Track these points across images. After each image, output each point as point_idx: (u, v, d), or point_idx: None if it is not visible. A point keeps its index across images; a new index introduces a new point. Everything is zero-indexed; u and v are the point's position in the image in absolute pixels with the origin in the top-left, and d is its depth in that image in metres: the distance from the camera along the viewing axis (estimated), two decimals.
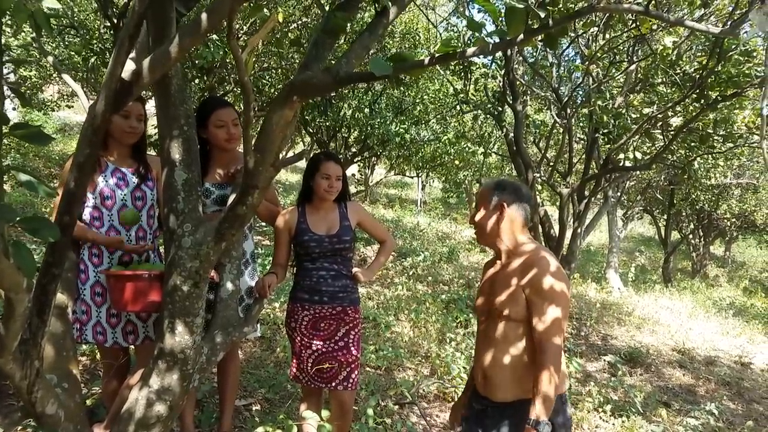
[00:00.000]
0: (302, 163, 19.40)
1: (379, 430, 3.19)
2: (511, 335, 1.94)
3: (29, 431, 2.48)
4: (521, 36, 1.45)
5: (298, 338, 2.56)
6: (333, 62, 1.81)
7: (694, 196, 13.22)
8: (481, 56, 1.65)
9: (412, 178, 18.80)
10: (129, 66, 1.50)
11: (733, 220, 14.96)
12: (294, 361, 2.60)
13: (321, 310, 2.54)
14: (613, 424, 4.07)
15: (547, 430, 1.77)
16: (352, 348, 2.56)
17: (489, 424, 2.03)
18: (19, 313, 1.28)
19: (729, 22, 4.33)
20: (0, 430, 2.45)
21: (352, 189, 13.41)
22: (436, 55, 1.51)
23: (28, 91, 10.53)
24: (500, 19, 1.64)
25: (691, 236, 15.51)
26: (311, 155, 2.70)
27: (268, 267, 2.87)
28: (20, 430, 2.54)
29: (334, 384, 2.54)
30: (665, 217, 14.50)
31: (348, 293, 2.59)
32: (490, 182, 2.09)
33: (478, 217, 2.05)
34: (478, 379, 2.07)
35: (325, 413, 2.52)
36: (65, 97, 12.85)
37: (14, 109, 10.63)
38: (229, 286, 2.16)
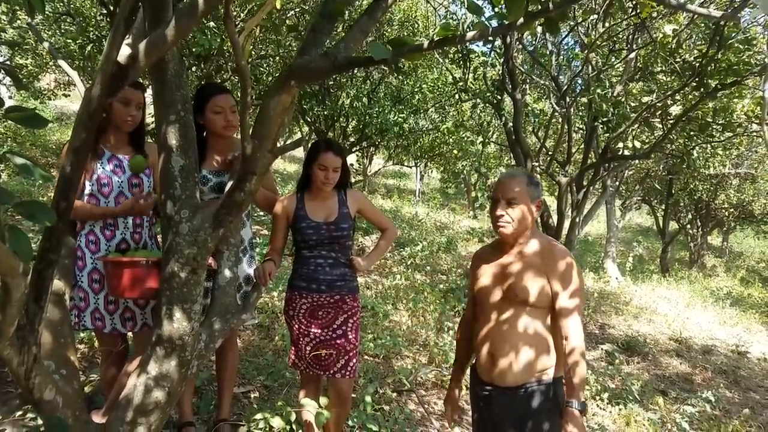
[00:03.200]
0: (300, 153, 19.36)
1: (378, 417, 3.20)
2: (530, 322, 2.01)
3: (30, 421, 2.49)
4: (521, 20, 1.43)
5: (296, 326, 2.56)
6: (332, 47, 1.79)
7: (692, 186, 13.22)
8: (480, 43, 1.63)
9: (410, 168, 18.78)
10: (125, 50, 1.48)
11: (731, 210, 14.97)
12: (292, 348, 2.60)
13: (319, 298, 2.53)
14: (611, 412, 4.10)
15: (584, 408, 1.92)
16: (351, 336, 2.55)
17: (496, 408, 2.07)
18: (15, 298, 1.27)
19: (729, 9, 4.30)
20: None
21: (350, 179, 13.33)
22: (436, 39, 1.50)
23: (25, 80, 10.46)
24: (501, 4, 1.62)
25: (688, 226, 15.52)
26: (312, 143, 2.66)
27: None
28: (20, 417, 2.54)
29: (332, 372, 2.54)
30: (663, 207, 14.50)
31: (346, 282, 2.57)
32: (523, 177, 2.09)
33: (517, 214, 2.03)
34: (483, 365, 2.10)
35: (323, 400, 2.52)
36: (62, 85, 12.77)
37: (10, 97, 10.56)
38: (227, 273, 2.16)
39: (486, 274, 2.14)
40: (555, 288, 1.97)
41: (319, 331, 2.54)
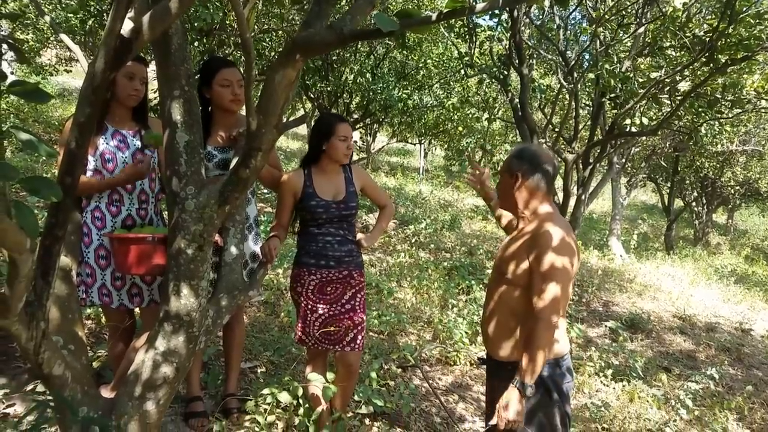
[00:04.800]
0: (303, 130, 19.27)
1: (383, 392, 3.23)
2: (507, 297, 2.03)
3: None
4: None
5: (304, 302, 2.55)
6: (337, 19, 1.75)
7: (698, 163, 13.14)
8: (487, 17, 1.59)
9: (414, 145, 18.67)
10: (128, 23, 1.45)
11: (737, 187, 14.88)
12: (299, 324, 2.60)
13: (328, 274, 2.53)
14: (614, 389, 4.12)
15: (530, 392, 1.89)
16: (359, 310, 2.58)
17: (494, 380, 2.15)
18: (23, 274, 1.27)
19: None
20: (2, 392, 2.48)
21: (354, 156, 13.33)
22: (444, 10, 1.46)
23: (26, 55, 10.38)
24: None
25: (694, 204, 15.47)
26: (320, 117, 2.65)
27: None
28: (29, 391, 2.57)
29: (341, 345, 2.55)
30: (669, 184, 14.43)
31: (353, 257, 2.59)
32: (513, 150, 2.14)
33: (502, 185, 2.12)
34: (484, 338, 2.19)
35: (330, 375, 2.54)
36: (63, 61, 12.68)
37: (12, 73, 10.50)
38: (233, 250, 2.16)
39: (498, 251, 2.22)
40: (533, 271, 1.93)
41: (328, 306, 2.54)
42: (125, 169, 2.32)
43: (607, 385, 4.17)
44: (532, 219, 2.06)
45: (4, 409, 2.43)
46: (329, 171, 2.57)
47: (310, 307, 2.54)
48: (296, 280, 2.57)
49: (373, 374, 3.02)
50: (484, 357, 2.24)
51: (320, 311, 2.54)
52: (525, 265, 1.96)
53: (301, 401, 2.59)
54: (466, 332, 4.33)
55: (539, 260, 1.91)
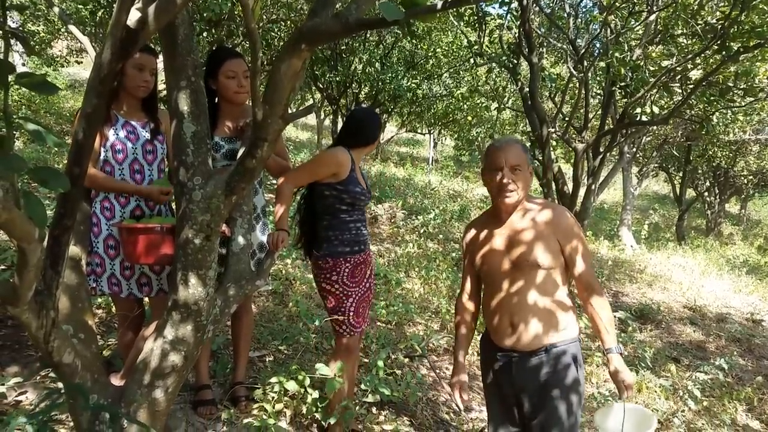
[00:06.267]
0: (312, 120, 19.26)
1: (390, 381, 3.25)
2: (548, 283, 2.03)
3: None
4: None
5: (339, 289, 2.56)
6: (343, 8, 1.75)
7: (711, 153, 13.00)
8: (497, 5, 1.58)
9: (423, 135, 18.63)
10: (134, 14, 1.46)
11: (750, 177, 14.73)
12: (341, 314, 2.58)
13: (358, 258, 2.59)
14: None
15: (622, 350, 2.03)
16: (372, 288, 2.71)
17: (518, 372, 2.06)
18: (32, 263, 1.29)
19: None
20: (14, 380, 2.52)
21: None
22: None
23: (37, 47, 10.44)
24: None
25: (706, 194, 15.33)
26: (371, 110, 2.81)
27: None
28: (40, 379, 2.61)
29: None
30: (680, 174, 14.30)
31: (368, 238, 2.72)
32: (520, 143, 2.11)
33: (523, 181, 2.06)
34: (502, 332, 2.09)
35: (337, 366, 2.55)
36: (74, 52, 12.74)
37: (23, 64, 10.56)
38: (241, 240, 2.17)
39: (489, 245, 2.13)
40: (565, 246, 2.02)
41: (357, 289, 2.60)
42: (149, 188, 2.40)
43: None
44: (527, 206, 2.09)
45: (16, 396, 2.47)
46: (359, 159, 2.65)
47: (346, 293, 2.56)
48: (332, 271, 2.54)
49: (380, 363, 3.03)
50: (506, 355, 2.11)
51: (354, 294, 2.58)
52: (552, 244, 2.01)
53: (309, 390, 2.61)
54: None
55: (569, 231, 2.03)
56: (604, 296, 2.06)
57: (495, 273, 2.10)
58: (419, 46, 10.08)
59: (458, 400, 2.20)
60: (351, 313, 2.57)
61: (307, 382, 2.60)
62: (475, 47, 6.30)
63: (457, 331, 2.33)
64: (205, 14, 5.16)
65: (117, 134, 2.37)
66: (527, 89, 5.66)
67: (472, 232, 2.22)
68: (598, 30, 5.69)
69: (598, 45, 5.93)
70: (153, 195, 2.40)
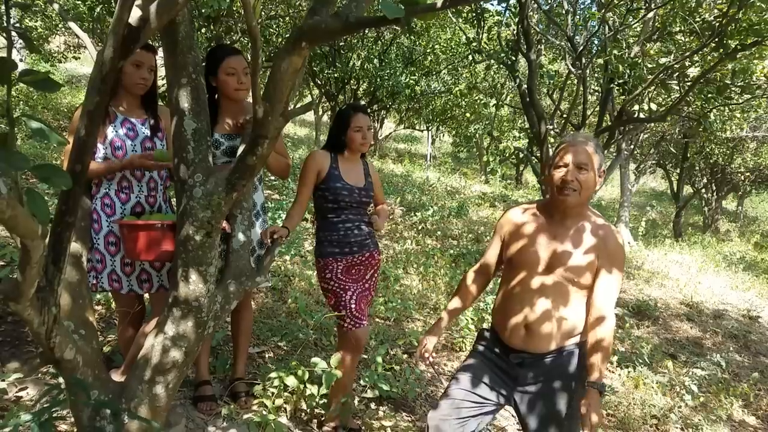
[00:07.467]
0: (310, 117, 19.25)
1: (389, 377, 3.26)
2: (576, 298, 1.98)
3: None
4: None
5: (335, 284, 2.62)
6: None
7: (708, 150, 13.03)
8: (495, 2, 1.59)
9: (421, 131, 18.62)
10: (136, 11, 1.46)
11: (747, 174, 14.77)
12: (340, 308, 2.61)
13: (352, 259, 2.63)
14: (620, 375, 4.14)
15: (605, 389, 2.00)
16: (374, 287, 2.75)
17: (526, 373, 2.04)
18: (35, 260, 1.30)
19: None
20: (15, 376, 2.53)
21: None
22: None
23: (35, 42, 10.40)
24: None
25: (703, 191, 15.37)
26: (339, 109, 2.74)
27: (278, 221, 2.87)
28: (42, 375, 2.62)
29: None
30: (678, 170, 14.33)
31: (372, 239, 2.72)
32: (593, 141, 1.99)
33: (587, 181, 1.92)
34: (514, 332, 2.04)
35: (335, 358, 2.57)
36: (72, 48, 12.70)
37: (21, 60, 10.53)
38: (241, 236, 2.18)
39: (531, 239, 2.03)
40: (601, 269, 1.93)
41: (355, 285, 2.66)
42: (132, 156, 2.34)
43: (613, 372, 4.19)
44: (585, 215, 2.00)
45: (17, 392, 2.48)
46: (351, 159, 2.68)
47: (342, 287, 2.62)
48: (324, 269, 2.63)
49: (379, 359, 3.05)
50: (517, 356, 2.07)
51: (351, 288, 2.63)
52: (592, 263, 1.93)
53: (308, 386, 2.63)
54: (471, 319, 4.35)
55: (613, 258, 1.93)
56: (612, 331, 1.92)
57: (527, 269, 2.02)
58: (418, 43, 10.08)
59: (423, 348, 2.24)
60: (352, 306, 2.60)
61: (307, 377, 2.62)
62: (474, 44, 6.30)
63: (451, 298, 2.30)
64: (203, 11, 5.16)
65: (116, 131, 2.37)
66: (525, 86, 5.67)
67: (518, 217, 2.10)
68: (597, 27, 5.70)
69: (596, 42, 5.94)
70: (145, 164, 2.32)
